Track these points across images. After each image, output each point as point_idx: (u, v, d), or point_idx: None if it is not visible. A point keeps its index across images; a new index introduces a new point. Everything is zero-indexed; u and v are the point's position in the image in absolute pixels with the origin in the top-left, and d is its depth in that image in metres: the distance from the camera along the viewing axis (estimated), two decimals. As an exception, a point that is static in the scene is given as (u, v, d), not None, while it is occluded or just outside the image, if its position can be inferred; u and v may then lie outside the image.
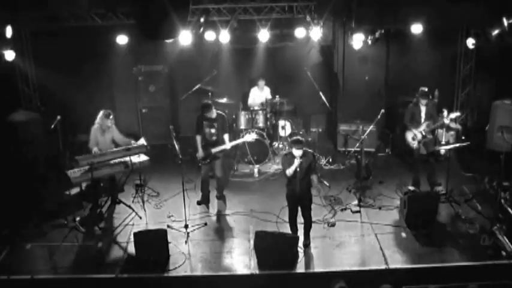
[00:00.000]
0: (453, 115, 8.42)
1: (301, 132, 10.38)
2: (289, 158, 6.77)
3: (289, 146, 6.92)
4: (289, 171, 6.72)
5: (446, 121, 8.56)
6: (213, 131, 8.03)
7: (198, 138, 8.11)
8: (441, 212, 7.79)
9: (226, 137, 8.11)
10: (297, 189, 6.85)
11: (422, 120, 8.47)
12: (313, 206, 7.15)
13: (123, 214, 8.09)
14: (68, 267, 6.81)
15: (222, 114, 8.13)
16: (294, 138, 6.78)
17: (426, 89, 8.41)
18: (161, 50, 10.35)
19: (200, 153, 8.07)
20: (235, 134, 9.87)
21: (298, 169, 6.71)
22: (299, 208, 7.06)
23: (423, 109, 8.45)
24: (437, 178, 8.65)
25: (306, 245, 7.15)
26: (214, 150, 7.99)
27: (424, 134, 8.44)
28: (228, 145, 8.07)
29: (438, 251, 7.04)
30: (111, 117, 7.95)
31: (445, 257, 6.87)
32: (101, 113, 8.01)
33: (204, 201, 8.39)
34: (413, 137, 8.51)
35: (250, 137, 8.30)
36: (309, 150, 7.01)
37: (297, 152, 6.64)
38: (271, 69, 10.71)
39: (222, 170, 8.26)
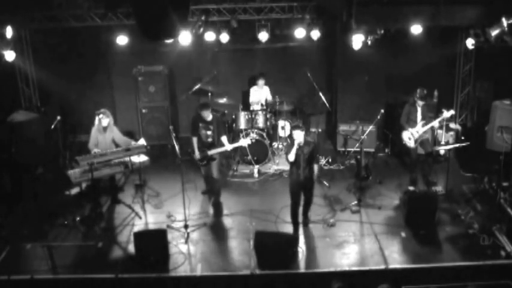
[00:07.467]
0: (448, 114, 8.37)
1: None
2: (290, 145, 7.03)
3: (290, 132, 7.19)
4: (291, 156, 6.93)
5: (438, 122, 8.55)
6: (209, 133, 8.07)
7: (194, 139, 8.16)
8: (440, 212, 7.80)
9: (224, 138, 8.13)
10: (300, 179, 7.06)
11: (419, 120, 8.51)
12: (312, 206, 7.15)
13: (123, 214, 8.10)
14: (68, 267, 6.82)
15: (217, 116, 8.18)
16: (294, 124, 6.94)
17: (425, 91, 8.43)
18: (161, 50, 10.35)
19: (197, 154, 8.11)
20: (235, 135, 9.88)
21: (301, 157, 6.87)
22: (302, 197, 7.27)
23: (419, 109, 8.50)
24: (433, 178, 8.69)
25: (306, 223, 7.21)
26: (210, 152, 8.03)
27: (420, 133, 8.47)
28: (228, 146, 8.10)
29: (437, 251, 7.06)
30: (100, 116, 7.92)
31: (445, 257, 6.88)
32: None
33: (208, 192, 8.56)
34: (410, 136, 8.54)
35: (245, 141, 8.29)
36: (311, 140, 7.18)
37: (296, 135, 6.84)
38: (271, 70, 10.70)
39: (219, 171, 8.29)
